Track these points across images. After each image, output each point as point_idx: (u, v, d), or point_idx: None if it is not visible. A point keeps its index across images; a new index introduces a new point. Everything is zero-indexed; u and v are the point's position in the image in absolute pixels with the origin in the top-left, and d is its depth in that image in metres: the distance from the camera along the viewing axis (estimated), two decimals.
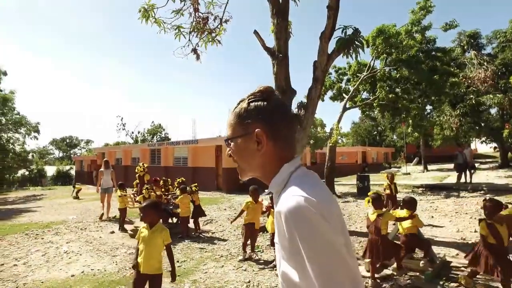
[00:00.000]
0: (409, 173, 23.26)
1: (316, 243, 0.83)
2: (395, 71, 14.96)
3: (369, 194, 4.72)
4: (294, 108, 8.61)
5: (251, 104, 1.03)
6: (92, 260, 5.91)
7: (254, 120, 1.01)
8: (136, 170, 9.60)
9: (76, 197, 17.09)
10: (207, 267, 5.26)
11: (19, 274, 5.30)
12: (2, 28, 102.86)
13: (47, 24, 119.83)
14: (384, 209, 4.64)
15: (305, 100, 11.79)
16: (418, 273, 4.58)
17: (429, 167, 25.65)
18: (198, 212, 7.77)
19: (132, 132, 37.76)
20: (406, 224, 4.70)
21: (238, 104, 1.07)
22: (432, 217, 8.66)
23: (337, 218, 0.89)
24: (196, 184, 8.21)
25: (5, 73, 21.57)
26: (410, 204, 4.71)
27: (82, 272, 5.30)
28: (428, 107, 19.61)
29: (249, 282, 4.52)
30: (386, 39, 13.25)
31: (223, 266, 5.30)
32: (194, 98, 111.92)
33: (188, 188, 7.63)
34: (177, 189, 7.76)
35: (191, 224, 7.61)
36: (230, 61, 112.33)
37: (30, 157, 31.63)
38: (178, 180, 8.15)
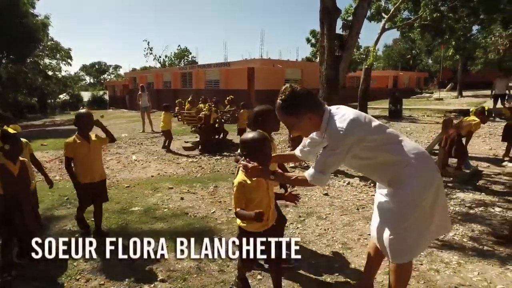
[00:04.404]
0: (441, 99, 22.75)
1: (334, 142, 1.89)
2: None
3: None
4: (339, 28, 8.58)
5: (292, 103, 1.91)
6: (162, 166, 6.95)
7: (301, 109, 1.91)
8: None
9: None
10: None
11: (107, 174, 6.38)
12: None
13: None
14: None
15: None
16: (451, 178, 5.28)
17: (464, 93, 24.80)
18: None
19: (160, 57, 37.59)
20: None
21: (281, 104, 1.93)
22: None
23: (362, 121, 1.98)
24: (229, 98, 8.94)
25: None
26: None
27: (158, 174, 6.34)
28: (475, 28, 18.16)
29: None
30: None
31: None
32: (224, 21, 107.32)
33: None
34: (228, 106, 8.41)
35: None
36: None
37: (68, 83, 33.00)
38: (227, 98, 8.79)
